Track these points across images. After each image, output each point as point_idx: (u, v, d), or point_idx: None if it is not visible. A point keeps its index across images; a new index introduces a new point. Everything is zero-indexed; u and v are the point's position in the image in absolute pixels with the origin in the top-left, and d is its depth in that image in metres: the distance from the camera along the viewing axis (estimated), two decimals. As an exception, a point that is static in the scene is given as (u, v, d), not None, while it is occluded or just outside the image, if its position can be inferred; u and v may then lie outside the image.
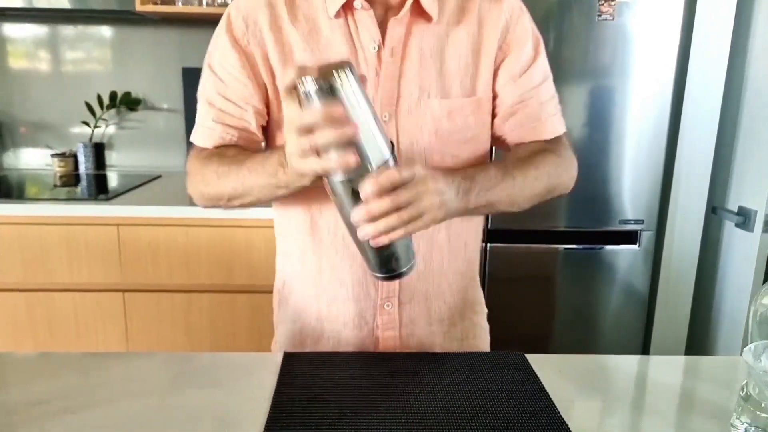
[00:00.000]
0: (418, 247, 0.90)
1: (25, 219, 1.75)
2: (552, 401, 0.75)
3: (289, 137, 0.67)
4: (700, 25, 1.86)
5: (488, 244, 1.92)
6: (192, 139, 0.91)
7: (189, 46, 2.23)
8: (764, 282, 0.67)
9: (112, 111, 2.26)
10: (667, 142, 1.91)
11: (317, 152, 0.64)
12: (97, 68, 2.26)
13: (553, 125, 0.93)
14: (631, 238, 1.97)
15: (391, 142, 0.69)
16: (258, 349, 1.80)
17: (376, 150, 0.66)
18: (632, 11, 1.80)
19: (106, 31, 2.23)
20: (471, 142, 0.90)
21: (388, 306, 0.93)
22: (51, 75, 2.26)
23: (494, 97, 0.92)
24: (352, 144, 0.63)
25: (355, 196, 0.67)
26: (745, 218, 1.82)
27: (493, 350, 1.03)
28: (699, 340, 2.11)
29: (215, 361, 0.86)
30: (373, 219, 0.66)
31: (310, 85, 0.62)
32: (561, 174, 0.91)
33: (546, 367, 0.84)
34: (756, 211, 1.78)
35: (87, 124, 2.25)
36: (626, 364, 0.91)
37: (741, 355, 0.61)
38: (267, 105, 0.88)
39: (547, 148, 0.91)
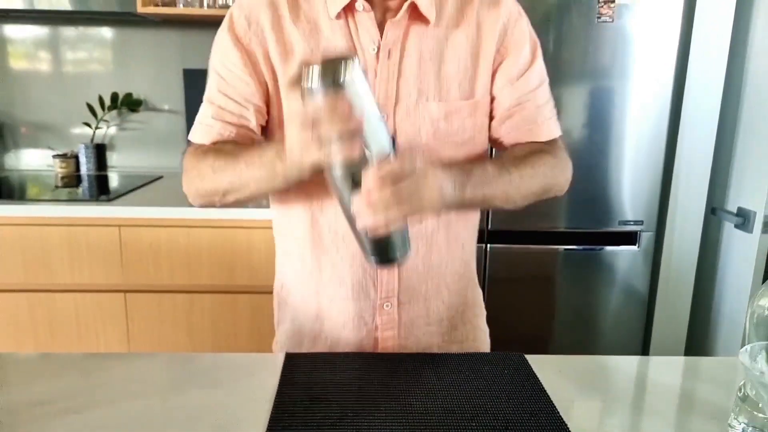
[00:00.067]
0: (417, 248, 0.91)
1: (27, 220, 1.75)
2: (552, 402, 0.75)
3: (292, 129, 0.67)
4: (700, 26, 1.86)
5: (488, 245, 1.93)
6: (190, 137, 0.91)
7: (190, 48, 2.24)
8: (764, 282, 0.67)
9: (114, 112, 2.27)
10: (667, 143, 1.92)
11: (320, 144, 0.65)
12: (99, 69, 2.27)
13: (549, 128, 0.94)
14: (630, 238, 1.97)
15: (392, 136, 0.70)
16: (259, 349, 1.80)
17: (379, 142, 0.67)
18: (632, 13, 1.80)
19: (107, 32, 2.24)
20: (468, 144, 0.91)
21: (387, 306, 0.93)
22: (53, 76, 2.26)
23: (491, 100, 0.92)
24: (355, 136, 0.64)
25: (356, 186, 0.67)
26: (744, 219, 1.83)
27: (493, 351, 1.04)
28: (698, 340, 2.11)
29: (217, 362, 0.86)
30: (374, 209, 0.66)
31: (314, 78, 0.62)
32: (557, 175, 0.92)
33: (546, 367, 0.84)
34: (755, 212, 1.79)
35: (88, 125, 2.26)
36: (626, 364, 0.91)
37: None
38: (267, 104, 0.89)
39: (544, 148, 0.92)
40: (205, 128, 0.88)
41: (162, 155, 2.33)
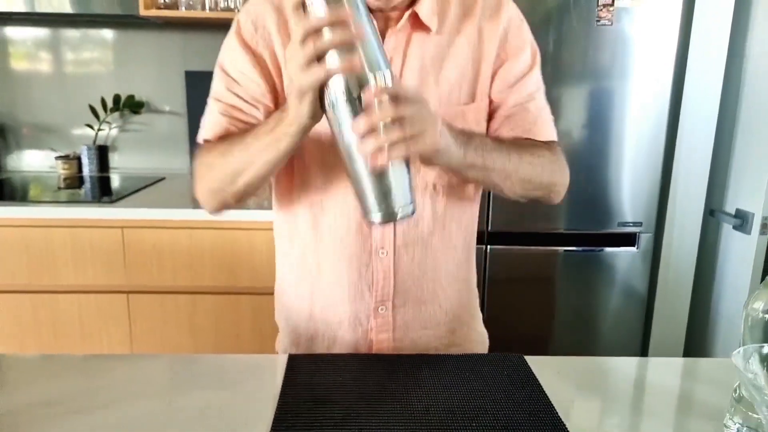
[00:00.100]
0: (413, 252, 0.92)
1: (30, 221, 1.76)
2: (551, 402, 0.76)
3: (293, 49, 0.66)
4: (698, 29, 1.87)
5: (488, 247, 1.94)
6: (199, 137, 0.92)
7: (192, 50, 2.25)
8: (762, 283, 0.69)
9: (116, 114, 2.28)
10: (666, 145, 1.93)
11: (319, 60, 0.65)
12: (101, 71, 2.28)
13: (547, 131, 0.95)
14: (629, 240, 1.98)
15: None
16: (261, 349, 1.81)
17: (378, 60, 0.66)
18: (630, 17, 1.81)
19: (109, 34, 2.25)
20: None
21: (382, 309, 0.94)
22: (55, 78, 2.27)
23: (491, 103, 0.93)
24: (355, 49, 0.64)
25: (357, 113, 0.66)
26: (742, 221, 1.84)
27: (493, 352, 1.04)
28: (697, 341, 2.13)
29: (220, 363, 0.87)
30: (375, 130, 0.64)
31: None
32: (555, 172, 0.93)
33: (545, 368, 0.85)
34: (753, 214, 1.80)
35: (91, 126, 2.27)
36: (624, 365, 0.92)
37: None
38: (276, 104, 0.90)
39: (543, 145, 0.93)
40: (214, 125, 0.89)
41: (164, 157, 2.34)
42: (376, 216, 0.70)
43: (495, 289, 1.95)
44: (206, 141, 0.90)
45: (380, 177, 0.68)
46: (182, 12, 2.00)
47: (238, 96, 0.88)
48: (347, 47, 0.64)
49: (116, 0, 1.93)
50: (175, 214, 1.76)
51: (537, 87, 0.94)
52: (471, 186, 0.96)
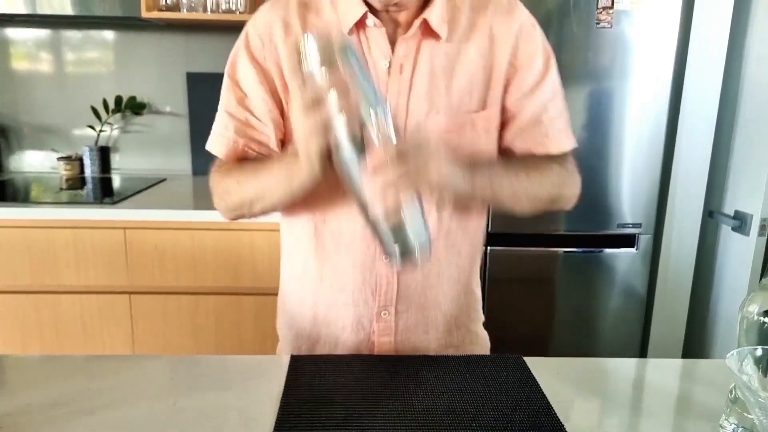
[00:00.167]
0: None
1: (32, 222, 1.77)
2: (549, 403, 0.77)
3: (297, 121, 0.70)
4: (697, 32, 1.88)
5: (488, 248, 1.95)
6: (210, 147, 0.93)
7: (193, 52, 2.26)
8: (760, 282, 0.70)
9: (118, 115, 2.29)
10: (665, 147, 1.94)
11: (323, 125, 0.68)
12: (102, 72, 2.28)
13: (561, 141, 0.94)
14: (629, 241, 1.99)
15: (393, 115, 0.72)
16: (262, 350, 1.82)
17: (380, 118, 0.68)
18: (630, 19, 1.82)
19: (111, 36, 2.26)
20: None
21: (384, 314, 0.94)
22: (57, 79, 2.28)
23: (504, 112, 0.93)
24: (356, 110, 0.66)
25: (361, 158, 0.69)
26: (741, 222, 1.85)
27: (494, 352, 1.05)
28: (696, 341, 2.13)
29: (223, 364, 0.87)
30: (383, 189, 0.68)
31: (310, 57, 0.65)
32: (564, 187, 0.93)
33: (544, 370, 0.86)
34: (752, 215, 1.81)
35: (92, 127, 2.28)
36: (623, 367, 0.93)
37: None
38: (283, 117, 0.91)
39: (554, 159, 0.92)
40: (227, 142, 0.91)
41: (165, 158, 2.35)
42: (396, 255, 0.74)
43: (495, 290, 1.96)
44: (220, 160, 0.93)
45: (392, 218, 0.71)
46: (184, 14, 2.00)
47: (249, 111, 0.90)
48: (346, 109, 0.67)
49: (118, 2, 1.94)
50: (177, 215, 1.77)
51: (553, 94, 0.93)
52: None
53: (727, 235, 1.96)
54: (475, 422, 0.73)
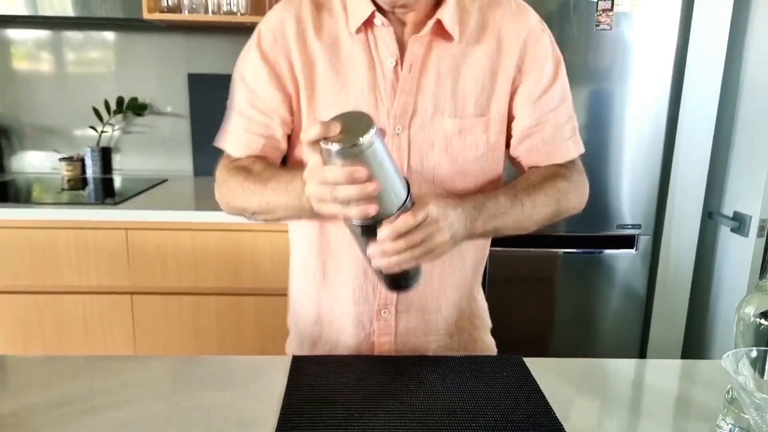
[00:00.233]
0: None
1: (34, 223, 1.77)
2: (549, 404, 0.78)
3: (310, 183, 0.70)
4: (697, 33, 1.89)
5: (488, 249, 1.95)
6: (220, 143, 0.94)
7: (195, 53, 2.26)
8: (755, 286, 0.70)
9: (119, 116, 2.29)
10: (664, 148, 1.94)
11: (337, 203, 0.69)
12: (104, 73, 2.29)
13: (568, 149, 0.94)
14: (628, 242, 2.00)
15: (407, 182, 0.73)
16: (264, 350, 1.83)
17: (395, 200, 0.70)
18: (630, 21, 1.83)
19: (113, 37, 2.26)
20: (481, 159, 0.91)
21: (384, 313, 0.95)
22: (58, 80, 2.29)
23: (511, 119, 0.92)
24: (372, 198, 0.67)
25: (371, 235, 0.72)
26: (740, 223, 1.85)
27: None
28: (695, 342, 2.14)
29: (224, 364, 0.88)
30: (388, 256, 0.72)
31: (334, 148, 0.64)
32: (570, 199, 0.93)
33: (543, 370, 0.86)
34: (751, 217, 1.81)
35: (94, 128, 2.28)
36: (622, 367, 0.94)
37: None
38: (292, 114, 0.92)
39: (559, 173, 0.92)
40: (236, 139, 0.92)
41: (167, 158, 2.35)
42: (389, 290, 0.86)
43: (496, 290, 1.96)
44: (229, 156, 0.94)
45: (392, 271, 0.76)
46: (185, 15, 2.01)
47: (257, 108, 0.91)
48: (363, 199, 0.67)
49: (119, 3, 1.95)
50: (179, 215, 1.77)
51: (561, 100, 0.92)
52: None
53: (726, 236, 1.96)
54: (475, 422, 0.73)
